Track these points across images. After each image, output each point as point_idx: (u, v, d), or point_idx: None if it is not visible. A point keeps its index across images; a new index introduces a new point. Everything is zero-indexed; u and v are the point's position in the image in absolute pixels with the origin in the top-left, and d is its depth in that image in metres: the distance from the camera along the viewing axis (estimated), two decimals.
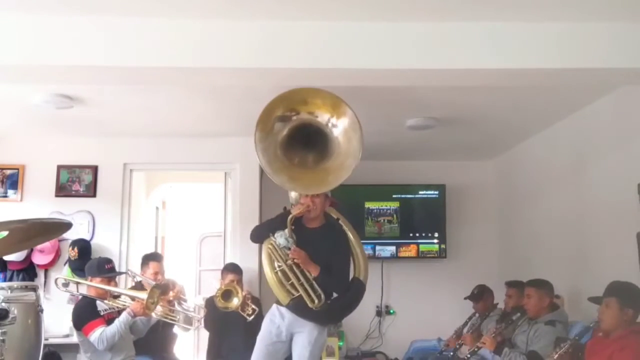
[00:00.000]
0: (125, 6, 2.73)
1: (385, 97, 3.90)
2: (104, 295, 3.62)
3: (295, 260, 3.24)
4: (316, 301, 3.20)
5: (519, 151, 5.28)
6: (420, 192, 5.71)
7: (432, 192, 5.70)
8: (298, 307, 3.26)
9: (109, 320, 3.50)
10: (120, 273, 4.24)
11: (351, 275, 3.51)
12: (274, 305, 3.42)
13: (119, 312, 3.59)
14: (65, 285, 3.78)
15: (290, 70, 2.94)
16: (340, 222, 3.56)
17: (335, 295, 3.35)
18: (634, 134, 3.50)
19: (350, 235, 3.54)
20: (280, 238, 3.29)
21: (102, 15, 2.78)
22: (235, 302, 4.05)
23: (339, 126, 3.27)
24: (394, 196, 5.68)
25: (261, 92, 3.71)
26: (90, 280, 3.62)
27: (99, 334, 3.39)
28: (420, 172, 5.79)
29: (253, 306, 4.11)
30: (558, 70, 2.97)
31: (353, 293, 3.43)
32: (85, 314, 3.49)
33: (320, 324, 3.33)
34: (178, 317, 3.87)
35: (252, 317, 4.06)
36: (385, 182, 5.72)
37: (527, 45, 2.91)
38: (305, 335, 3.29)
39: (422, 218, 5.65)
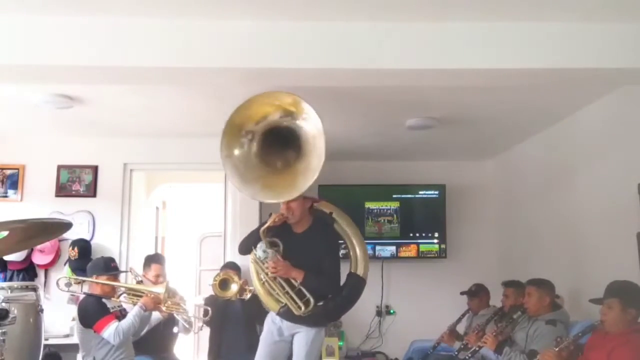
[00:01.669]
0: (125, 6, 2.73)
1: (385, 97, 3.89)
2: (110, 293, 3.63)
3: (273, 272, 3.25)
4: (302, 308, 3.21)
5: (519, 151, 5.28)
6: (420, 192, 5.71)
7: (432, 192, 5.70)
8: (289, 315, 3.30)
9: (116, 318, 3.51)
10: (124, 271, 4.26)
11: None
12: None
13: (121, 312, 3.60)
14: (68, 285, 3.78)
15: (290, 70, 2.94)
16: (334, 215, 3.52)
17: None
18: (633, 134, 3.50)
19: (347, 229, 3.53)
20: (259, 251, 3.30)
21: (101, 15, 2.78)
22: (234, 287, 4.04)
23: (303, 125, 3.17)
24: (394, 196, 5.68)
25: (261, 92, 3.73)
26: (96, 279, 3.61)
27: (114, 328, 3.39)
28: (420, 172, 5.80)
29: (250, 287, 4.08)
30: (558, 70, 2.97)
31: (349, 290, 3.43)
32: (96, 311, 3.48)
33: (316, 327, 3.35)
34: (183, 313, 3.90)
35: (250, 295, 4.03)
36: (385, 182, 5.72)
37: (527, 45, 2.91)
38: (303, 335, 3.33)
39: (422, 218, 5.65)
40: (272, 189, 3.26)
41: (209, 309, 4.00)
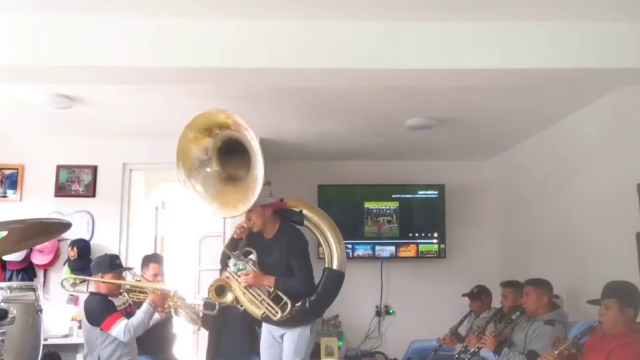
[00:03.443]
0: (125, 6, 2.73)
1: (385, 97, 3.89)
2: (116, 291, 3.60)
3: (245, 284, 3.36)
4: (279, 313, 3.30)
5: (518, 151, 5.28)
6: (420, 192, 5.71)
7: (432, 192, 5.71)
8: (270, 320, 3.39)
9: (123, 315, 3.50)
10: (129, 268, 4.24)
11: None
12: None
13: (126, 309, 3.59)
14: (74, 285, 3.76)
15: (290, 70, 2.94)
16: (303, 212, 3.53)
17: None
18: (633, 134, 3.50)
19: (319, 224, 3.52)
20: (231, 266, 3.42)
21: (101, 15, 2.78)
22: (230, 297, 4.04)
23: (241, 138, 3.19)
24: (393, 196, 5.69)
25: (261, 92, 3.73)
26: (102, 277, 3.58)
27: (123, 325, 3.38)
28: (420, 172, 5.80)
29: None
30: (558, 70, 2.97)
31: (324, 286, 3.44)
32: (103, 309, 3.46)
33: (298, 327, 3.40)
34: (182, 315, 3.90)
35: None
36: (385, 182, 5.72)
37: (527, 45, 2.91)
38: (289, 334, 3.44)
39: (422, 218, 5.65)
40: (229, 205, 3.29)
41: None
